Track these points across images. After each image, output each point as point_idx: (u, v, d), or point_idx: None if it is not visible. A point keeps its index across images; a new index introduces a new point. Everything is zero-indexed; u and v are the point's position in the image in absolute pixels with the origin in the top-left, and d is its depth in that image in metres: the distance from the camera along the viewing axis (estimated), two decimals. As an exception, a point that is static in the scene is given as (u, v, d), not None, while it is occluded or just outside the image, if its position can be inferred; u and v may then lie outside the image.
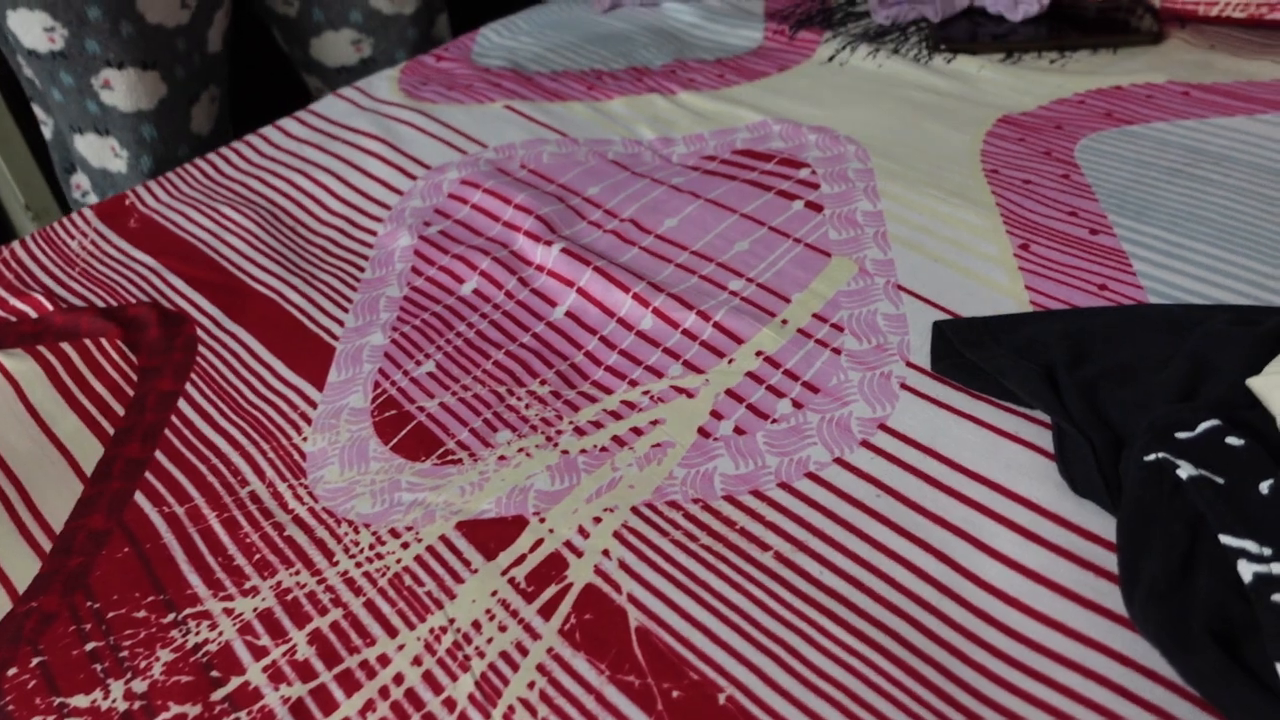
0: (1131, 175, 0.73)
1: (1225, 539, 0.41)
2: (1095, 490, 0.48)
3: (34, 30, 0.96)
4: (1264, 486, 0.42)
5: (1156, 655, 0.42)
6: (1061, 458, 0.50)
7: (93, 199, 1.13)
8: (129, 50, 0.99)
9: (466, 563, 0.51)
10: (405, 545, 0.53)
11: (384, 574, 0.51)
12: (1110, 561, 0.46)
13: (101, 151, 1.06)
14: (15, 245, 0.83)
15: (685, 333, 0.64)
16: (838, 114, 0.87)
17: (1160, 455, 0.45)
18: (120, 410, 0.65)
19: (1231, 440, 0.44)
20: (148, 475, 0.59)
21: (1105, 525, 0.48)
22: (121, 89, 1.00)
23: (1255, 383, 0.47)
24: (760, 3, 1.14)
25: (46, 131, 1.12)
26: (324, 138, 0.94)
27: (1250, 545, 0.40)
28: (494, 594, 0.49)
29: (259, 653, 0.48)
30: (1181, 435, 0.46)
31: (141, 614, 0.51)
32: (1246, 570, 0.40)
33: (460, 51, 1.09)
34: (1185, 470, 0.44)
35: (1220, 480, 0.43)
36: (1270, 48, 0.88)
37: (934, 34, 0.97)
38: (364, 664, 0.47)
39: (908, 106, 0.87)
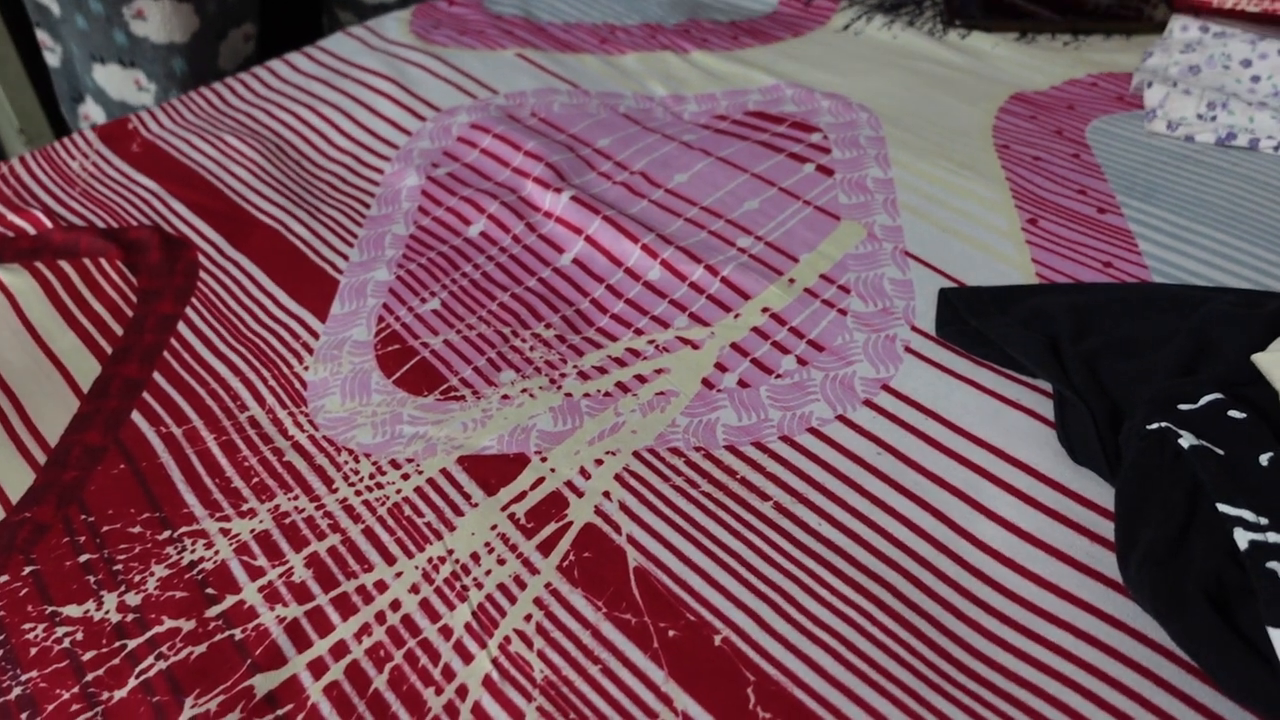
0: (1141, 158, 0.73)
1: (1223, 507, 0.42)
2: (1093, 458, 0.49)
3: None
4: (1264, 458, 0.43)
5: (1146, 618, 0.43)
6: (1062, 425, 0.51)
7: None
8: None
9: (467, 496, 0.51)
10: (405, 476, 0.53)
11: (383, 503, 0.51)
12: (1104, 528, 0.47)
13: (124, 83, 1.03)
14: (14, 162, 0.82)
15: (692, 286, 0.63)
16: (850, 81, 0.86)
17: (1162, 425, 0.46)
18: (119, 330, 0.64)
19: (1233, 413, 0.45)
20: (145, 396, 0.59)
21: (1101, 492, 0.49)
22: (156, 20, 0.98)
23: (1260, 358, 0.48)
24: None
25: (52, 59, 1.09)
26: (332, 74, 0.93)
27: (1247, 514, 0.41)
28: (494, 528, 0.49)
29: (255, 573, 0.48)
30: (1184, 407, 0.46)
31: (136, 529, 0.51)
32: (1243, 538, 0.40)
33: (472, -2, 1.08)
34: (1187, 440, 0.44)
35: (1220, 451, 0.44)
36: (1283, 43, 0.89)
37: (949, 9, 0.97)
38: (361, 589, 0.47)
39: (921, 78, 0.87)
